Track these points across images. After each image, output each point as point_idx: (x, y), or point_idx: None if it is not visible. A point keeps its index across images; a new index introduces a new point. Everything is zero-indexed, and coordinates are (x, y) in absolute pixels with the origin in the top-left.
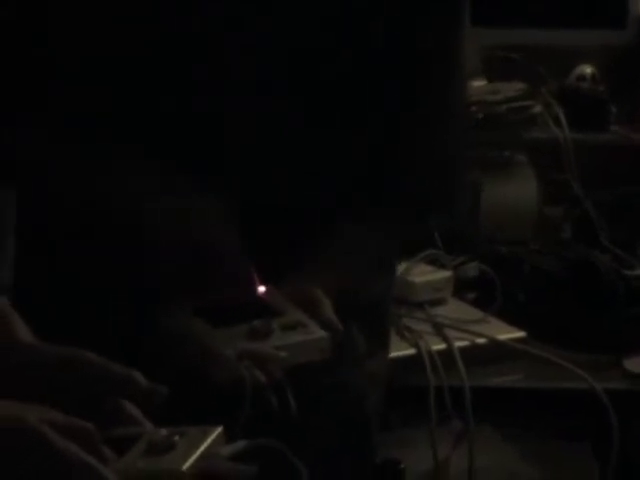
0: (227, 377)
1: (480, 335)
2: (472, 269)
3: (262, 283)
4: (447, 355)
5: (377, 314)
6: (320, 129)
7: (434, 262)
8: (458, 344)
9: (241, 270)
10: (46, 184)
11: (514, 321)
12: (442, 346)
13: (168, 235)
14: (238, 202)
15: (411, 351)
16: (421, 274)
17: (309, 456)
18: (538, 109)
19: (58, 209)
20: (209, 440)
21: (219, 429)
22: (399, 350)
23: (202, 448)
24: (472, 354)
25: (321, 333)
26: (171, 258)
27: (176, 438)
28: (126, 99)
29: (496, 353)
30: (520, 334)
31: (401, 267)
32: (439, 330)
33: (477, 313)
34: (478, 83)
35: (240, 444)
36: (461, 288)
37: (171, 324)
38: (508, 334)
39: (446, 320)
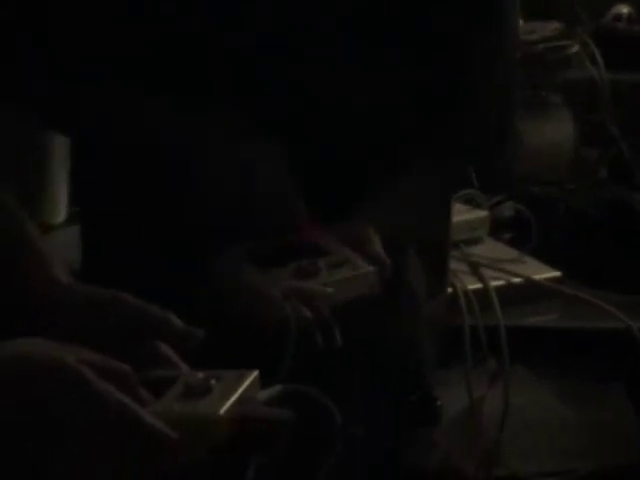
0: (273, 317)
1: (516, 275)
2: (508, 209)
3: (312, 223)
4: (483, 294)
5: (437, 254)
6: (374, 67)
7: (470, 202)
8: (494, 283)
9: (291, 210)
10: (102, 128)
11: (549, 261)
12: (478, 285)
13: (219, 178)
14: (290, 141)
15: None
16: (457, 213)
17: (357, 393)
18: (574, 49)
19: (112, 155)
20: (245, 384)
21: (255, 373)
22: None
23: (239, 392)
24: (507, 294)
25: (368, 268)
26: (222, 201)
27: (212, 382)
28: (177, 44)
29: (531, 293)
30: (555, 274)
31: None
32: (475, 269)
33: (513, 253)
34: None
35: (276, 389)
36: (497, 228)
37: (224, 268)
38: (544, 274)
39: (482, 259)
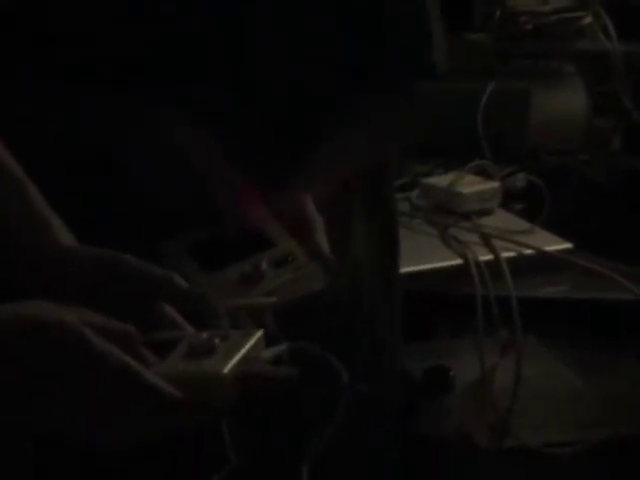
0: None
1: (527, 246)
2: (520, 180)
3: (253, 204)
4: (494, 266)
5: (384, 210)
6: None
7: (482, 173)
8: (505, 255)
9: (232, 196)
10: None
11: (561, 232)
12: (489, 257)
13: (156, 172)
14: (218, 114)
15: (458, 261)
16: (469, 185)
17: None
18: (588, 20)
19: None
20: (250, 343)
21: (260, 332)
22: (446, 260)
23: (243, 351)
24: (519, 265)
25: (311, 267)
26: (161, 193)
27: (217, 341)
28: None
29: (543, 264)
30: (567, 245)
31: (449, 178)
32: (486, 240)
33: (524, 224)
34: None
35: (281, 347)
36: (508, 199)
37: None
38: (555, 245)
39: (493, 231)
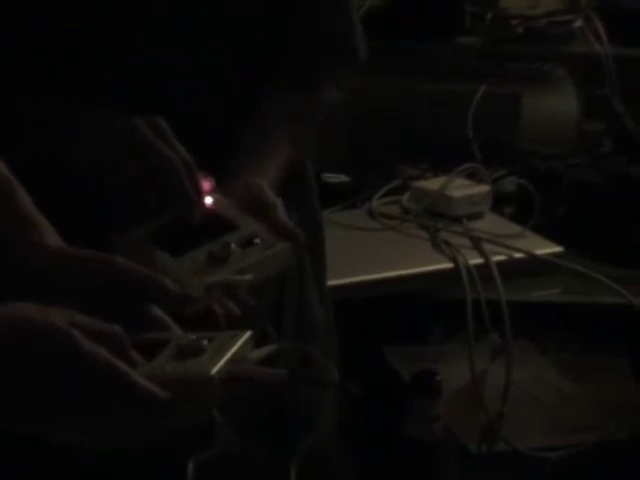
0: (198, 311)
1: (518, 250)
2: (510, 183)
3: (207, 194)
4: (484, 269)
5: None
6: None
7: (472, 176)
8: (495, 258)
9: (185, 185)
10: None
11: (552, 236)
12: (480, 260)
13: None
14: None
15: (449, 265)
16: (459, 188)
17: None
18: (578, 23)
19: None
20: (238, 344)
21: (248, 334)
22: (437, 264)
23: (231, 352)
24: (509, 268)
25: (280, 245)
26: (115, 184)
27: (205, 342)
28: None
29: (533, 268)
30: (558, 249)
31: (439, 181)
32: (477, 244)
33: (515, 228)
34: None
35: (269, 348)
36: (499, 202)
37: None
38: (546, 249)
39: (484, 234)
